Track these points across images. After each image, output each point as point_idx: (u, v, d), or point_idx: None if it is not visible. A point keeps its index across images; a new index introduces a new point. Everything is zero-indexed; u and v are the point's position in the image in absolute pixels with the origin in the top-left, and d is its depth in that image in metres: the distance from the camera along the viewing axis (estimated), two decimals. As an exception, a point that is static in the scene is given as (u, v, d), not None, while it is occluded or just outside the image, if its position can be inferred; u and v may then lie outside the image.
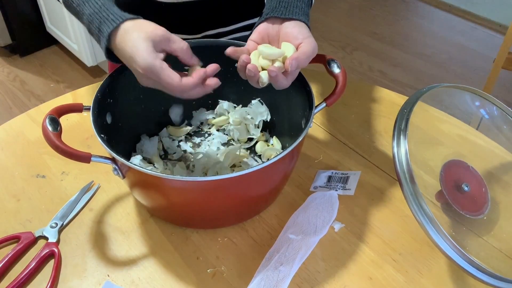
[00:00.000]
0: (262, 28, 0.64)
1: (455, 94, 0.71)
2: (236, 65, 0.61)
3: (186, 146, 0.78)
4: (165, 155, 0.78)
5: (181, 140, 0.80)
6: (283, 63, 0.60)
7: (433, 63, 2.45)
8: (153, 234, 0.67)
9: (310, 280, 0.61)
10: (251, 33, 0.64)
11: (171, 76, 0.56)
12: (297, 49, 0.61)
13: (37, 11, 2.32)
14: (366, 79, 2.33)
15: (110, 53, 0.61)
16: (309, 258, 0.63)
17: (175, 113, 0.80)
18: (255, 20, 0.87)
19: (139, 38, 0.56)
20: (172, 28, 0.85)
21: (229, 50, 0.61)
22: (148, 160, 0.76)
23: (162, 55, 0.57)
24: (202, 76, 0.58)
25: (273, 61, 0.60)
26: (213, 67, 0.60)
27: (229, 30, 0.87)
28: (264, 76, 0.60)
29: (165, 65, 0.56)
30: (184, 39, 0.86)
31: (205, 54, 0.78)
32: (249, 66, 0.58)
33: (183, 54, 0.60)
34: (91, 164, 0.59)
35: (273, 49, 0.60)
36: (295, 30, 0.62)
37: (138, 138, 0.77)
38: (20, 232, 0.66)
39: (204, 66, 0.81)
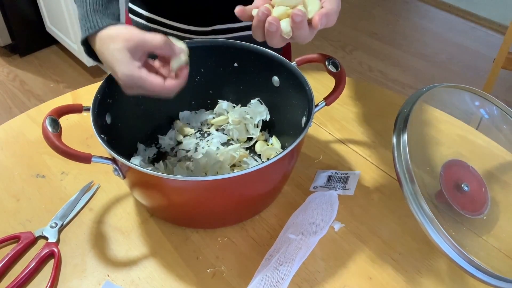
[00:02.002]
0: None
1: (455, 94, 0.71)
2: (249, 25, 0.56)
3: (191, 145, 0.78)
4: (164, 155, 0.78)
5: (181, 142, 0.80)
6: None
7: (433, 63, 2.45)
8: (153, 234, 0.67)
9: (310, 280, 0.61)
10: None
11: (153, 82, 0.56)
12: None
13: (37, 11, 2.32)
14: (366, 79, 2.33)
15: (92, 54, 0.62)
16: (309, 258, 0.63)
17: (170, 135, 0.81)
18: None
19: (115, 50, 0.56)
20: (183, 19, 0.85)
21: (238, 10, 0.55)
22: (148, 160, 0.76)
23: (139, 64, 0.57)
24: (186, 76, 0.57)
25: (291, 7, 0.54)
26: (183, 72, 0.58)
27: (239, 26, 0.86)
28: (285, 25, 0.53)
29: (144, 72, 0.56)
30: (193, 31, 0.86)
31: (205, 53, 0.78)
32: (269, 19, 0.52)
33: (162, 50, 0.57)
34: (91, 164, 0.59)
35: None
36: None
37: (138, 138, 0.77)
38: (20, 232, 0.66)
39: (204, 66, 0.81)
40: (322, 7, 0.55)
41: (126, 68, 0.56)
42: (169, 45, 0.57)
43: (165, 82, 0.56)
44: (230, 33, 0.87)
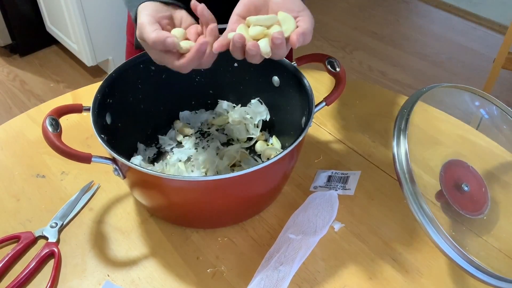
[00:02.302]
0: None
1: (455, 94, 0.71)
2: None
3: (191, 144, 0.78)
4: (164, 155, 0.78)
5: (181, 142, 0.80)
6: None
7: (433, 63, 2.45)
8: (153, 234, 0.67)
9: (310, 280, 0.61)
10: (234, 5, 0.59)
11: (168, 61, 0.57)
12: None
13: (37, 11, 2.32)
14: (366, 79, 2.33)
15: None
16: (309, 258, 0.63)
17: (170, 135, 0.80)
18: None
19: (136, 35, 0.59)
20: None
21: (216, 46, 0.56)
22: (148, 160, 0.76)
23: (160, 29, 0.57)
24: (199, 52, 0.56)
25: (267, 27, 0.55)
26: (211, 31, 0.57)
27: None
28: (264, 46, 0.54)
29: (162, 34, 0.55)
30: None
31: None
32: (249, 44, 0.53)
33: (156, 47, 0.57)
34: (91, 164, 0.59)
35: (264, 16, 0.56)
36: (287, 0, 0.57)
37: (138, 138, 0.77)
38: (20, 232, 0.66)
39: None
40: (297, 26, 0.56)
41: (147, 51, 0.60)
42: (160, 43, 0.56)
43: (180, 60, 0.57)
44: None
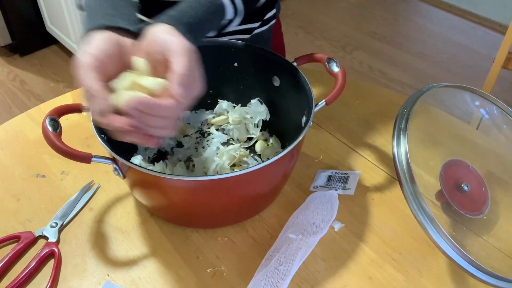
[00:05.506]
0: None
1: (455, 94, 0.71)
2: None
3: (191, 144, 0.79)
4: (164, 155, 0.78)
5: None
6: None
7: (433, 63, 2.45)
8: (153, 234, 0.67)
9: (310, 280, 0.61)
10: None
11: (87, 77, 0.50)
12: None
13: (37, 11, 2.32)
14: (366, 79, 2.33)
15: None
16: (309, 258, 0.63)
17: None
18: (255, 24, 0.86)
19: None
20: None
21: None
22: (148, 160, 0.76)
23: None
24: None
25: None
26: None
27: (238, 29, 0.87)
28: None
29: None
30: None
31: (205, 53, 0.78)
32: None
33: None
34: (91, 164, 0.59)
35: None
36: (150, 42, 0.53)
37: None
38: (20, 231, 0.66)
39: (204, 66, 0.81)
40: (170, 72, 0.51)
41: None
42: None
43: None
44: (230, 35, 0.87)
